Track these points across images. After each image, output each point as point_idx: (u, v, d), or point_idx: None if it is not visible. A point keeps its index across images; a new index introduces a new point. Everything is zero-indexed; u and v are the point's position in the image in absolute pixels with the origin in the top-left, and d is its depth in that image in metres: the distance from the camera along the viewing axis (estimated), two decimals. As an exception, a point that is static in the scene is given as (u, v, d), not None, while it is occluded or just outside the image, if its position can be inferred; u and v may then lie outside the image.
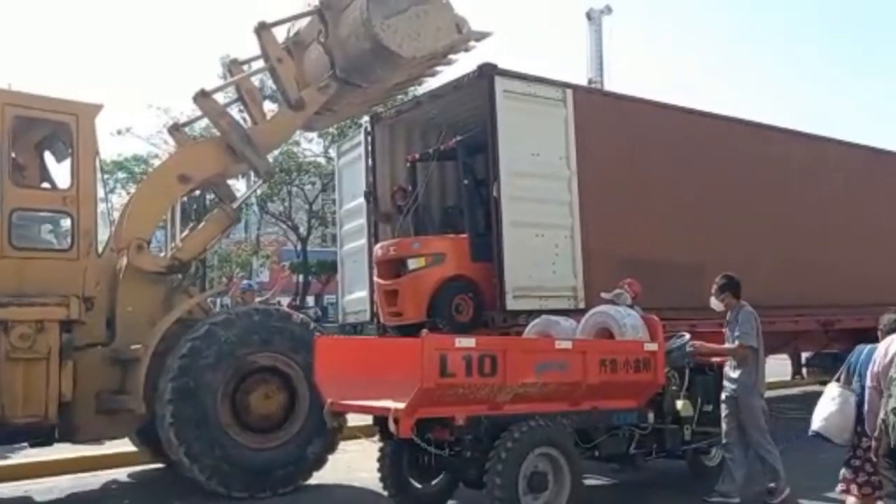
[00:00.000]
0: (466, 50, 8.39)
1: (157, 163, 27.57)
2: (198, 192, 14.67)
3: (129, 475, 8.19)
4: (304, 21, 8.11)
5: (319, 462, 7.12)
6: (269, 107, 11.57)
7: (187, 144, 8.77)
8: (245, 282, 11.85)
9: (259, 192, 23.32)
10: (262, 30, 7.83)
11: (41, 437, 6.95)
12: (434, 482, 6.21)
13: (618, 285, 7.11)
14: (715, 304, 6.87)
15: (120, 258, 7.51)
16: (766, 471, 6.51)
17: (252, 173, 9.40)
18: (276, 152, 18.29)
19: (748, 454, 6.55)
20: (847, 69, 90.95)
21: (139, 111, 62.65)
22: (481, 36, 8.31)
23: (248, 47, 8.33)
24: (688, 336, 7.00)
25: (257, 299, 11.26)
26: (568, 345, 5.80)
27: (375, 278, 9.52)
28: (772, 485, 6.42)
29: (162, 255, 7.97)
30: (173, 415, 6.60)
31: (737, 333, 6.55)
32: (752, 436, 6.49)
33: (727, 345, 6.66)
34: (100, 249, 7.32)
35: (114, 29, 66.32)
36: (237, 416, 6.93)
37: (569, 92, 9.23)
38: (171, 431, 6.60)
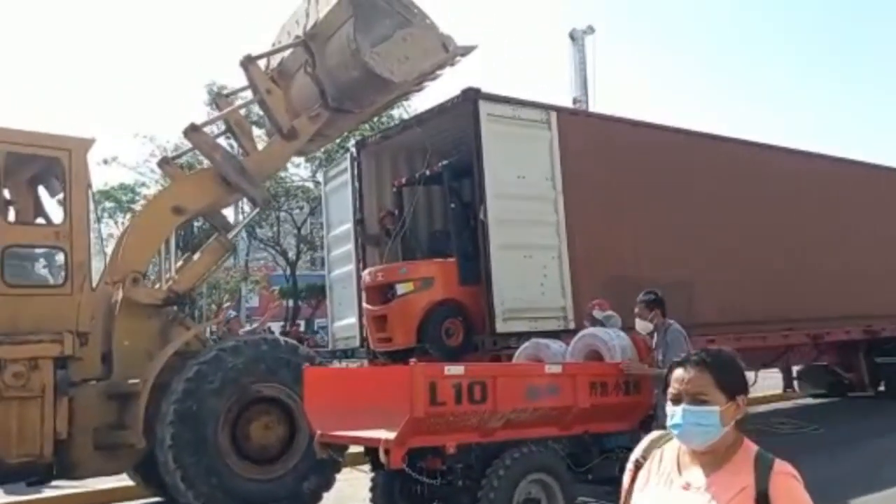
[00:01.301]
0: (452, 65, 8.48)
1: (144, 191, 27.61)
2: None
3: None
4: (287, 51, 8.16)
5: (314, 498, 7.07)
6: (256, 132, 11.62)
7: (180, 176, 8.78)
8: (230, 311, 11.79)
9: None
10: (249, 63, 7.92)
11: (37, 475, 6.88)
12: (427, 511, 6.16)
13: (588, 307, 7.05)
14: (642, 325, 6.22)
15: (115, 291, 7.49)
16: None
17: (242, 201, 9.43)
18: (263, 178, 18.33)
19: None
20: (844, 78, 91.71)
21: (125, 140, 62.57)
22: (467, 51, 8.42)
23: (233, 73, 8.40)
24: (677, 355, 6.98)
25: (246, 328, 11.20)
26: (558, 369, 5.79)
27: (364, 304, 9.49)
28: None
29: (157, 286, 7.95)
30: (173, 437, 6.57)
31: (661, 358, 5.94)
32: None
33: (656, 369, 5.93)
34: (94, 282, 7.28)
35: (98, 57, 66.41)
36: (236, 445, 6.91)
37: (553, 114, 9.29)
38: (170, 454, 6.55)
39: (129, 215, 27.84)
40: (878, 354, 13.69)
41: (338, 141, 20.27)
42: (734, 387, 1.99)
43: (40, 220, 7.86)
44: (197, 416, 6.68)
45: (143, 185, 27.34)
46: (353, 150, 10.82)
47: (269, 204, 9.28)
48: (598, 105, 24.67)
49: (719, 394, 1.95)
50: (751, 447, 2.00)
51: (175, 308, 7.79)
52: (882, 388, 14.17)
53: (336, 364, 10.85)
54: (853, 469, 8.23)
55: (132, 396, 6.87)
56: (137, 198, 27.38)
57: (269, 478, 6.93)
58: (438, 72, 8.53)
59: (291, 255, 29.34)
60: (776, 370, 13.66)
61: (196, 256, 8.38)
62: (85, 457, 6.89)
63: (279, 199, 26.78)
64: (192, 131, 7.92)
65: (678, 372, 2.03)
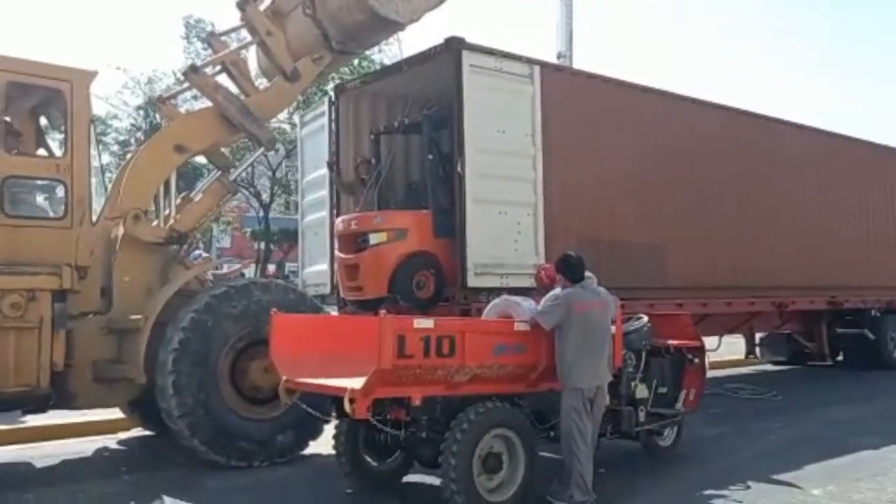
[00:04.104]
0: None
1: (115, 123, 26.99)
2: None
3: (119, 442, 8.30)
4: None
5: (283, 453, 7.11)
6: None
7: (179, 115, 8.79)
8: (197, 251, 11.63)
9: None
10: (246, 4, 7.77)
11: (34, 404, 6.96)
12: (389, 460, 6.23)
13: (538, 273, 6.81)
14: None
15: (116, 227, 7.48)
16: (564, 479, 5.66)
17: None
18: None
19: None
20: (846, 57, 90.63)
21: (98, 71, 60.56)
22: None
23: (210, 6, 8.23)
24: (645, 318, 7.05)
25: (220, 269, 11.10)
26: (526, 326, 5.78)
27: (336, 252, 9.42)
28: (583, 499, 5.58)
29: (155, 224, 7.90)
30: (180, 342, 6.70)
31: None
32: (561, 439, 5.75)
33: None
34: (94, 218, 7.29)
35: (72, -18, 63.91)
36: (233, 375, 7.04)
37: (536, 68, 9.16)
38: (171, 357, 6.66)
39: (99, 147, 27.25)
40: (840, 325, 14.00)
41: (317, 84, 19.92)
42: None
43: (41, 152, 7.80)
44: (209, 330, 6.83)
45: (115, 117, 26.74)
46: (332, 94, 10.60)
47: (274, 144, 9.26)
48: (583, 61, 24.34)
49: None
50: None
51: (176, 247, 7.77)
52: (841, 358, 14.53)
53: None
54: (808, 435, 8.44)
55: (132, 332, 6.96)
56: (108, 130, 26.77)
57: (251, 417, 7.01)
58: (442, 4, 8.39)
59: (265, 197, 29.00)
60: (740, 336, 13.93)
61: (197, 197, 8.35)
62: (83, 388, 7.02)
63: (254, 140, 26.33)
64: (193, 73, 7.95)
65: None
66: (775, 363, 14.99)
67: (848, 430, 8.65)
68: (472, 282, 8.42)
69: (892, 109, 72.51)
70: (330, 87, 12.23)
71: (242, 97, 8.07)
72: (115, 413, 8.31)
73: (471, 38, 8.60)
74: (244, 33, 8.56)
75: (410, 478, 6.30)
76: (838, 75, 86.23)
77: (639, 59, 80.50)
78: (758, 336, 14.47)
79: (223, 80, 8.25)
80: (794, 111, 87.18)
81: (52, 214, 7.29)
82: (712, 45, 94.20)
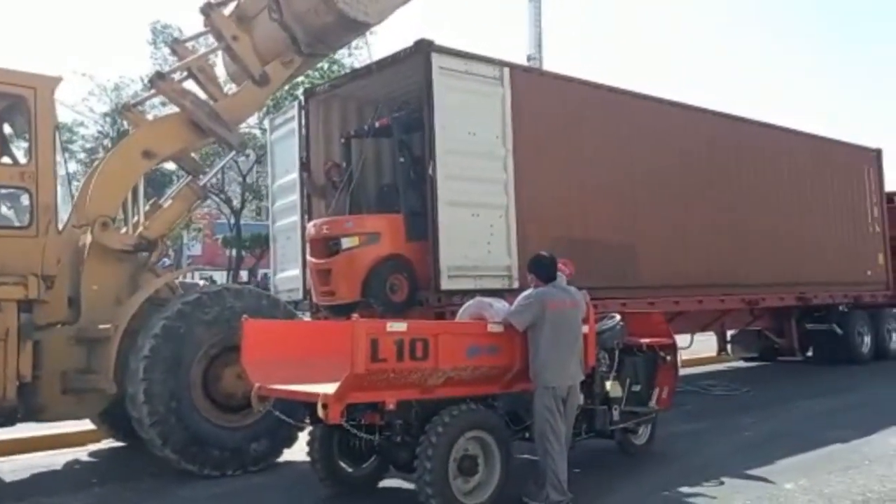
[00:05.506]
0: None
1: (82, 131, 26.65)
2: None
3: (90, 454, 8.15)
4: None
5: (256, 461, 7.01)
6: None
7: (146, 122, 8.66)
8: (164, 260, 11.52)
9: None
10: (211, 10, 7.70)
11: (1, 418, 6.78)
12: (364, 465, 6.18)
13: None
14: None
15: (83, 235, 7.35)
16: (540, 479, 5.65)
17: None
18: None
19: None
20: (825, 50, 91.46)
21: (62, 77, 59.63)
22: None
23: (176, 11, 8.11)
24: (618, 317, 7.08)
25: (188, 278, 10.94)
26: (499, 328, 5.78)
27: (308, 257, 9.35)
28: (559, 499, 5.55)
29: (123, 232, 7.77)
30: (152, 350, 6.58)
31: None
32: (535, 439, 5.71)
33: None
34: (61, 226, 7.16)
35: (36, -12, 62.87)
36: (205, 383, 6.92)
37: (506, 70, 9.19)
38: (142, 365, 6.54)
39: (65, 154, 26.84)
40: (809, 321, 14.21)
41: (286, 88, 19.82)
42: None
43: (6, 160, 7.65)
44: (182, 338, 6.72)
45: (82, 124, 26.40)
46: (301, 98, 10.54)
47: (245, 147, 9.17)
48: (554, 64, 24.51)
49: None
50: None
51: (146, 255, 7.65)
52: (810, 353, 14.74)
53: None
54: (780, 430, 8.54)
55: (101, 341, 6.84)
56: (75, 137, 26.42)
57: (224, 425, 6.91)
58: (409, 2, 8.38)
59: (236, 203, 28.78)
60: (711, 333, 14.07)
61: (167, 203, 8.24)
62: (52, 400, 6.88)
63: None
64: (160, 80, 7.85)
65: None
66: (747, 359, 15.17)
67: (819, 423, 8.76)
68: (446, 284, 8.41)
69: (892, 109, 73.73)
70: (300, 91, 12.18)
71: (211, 102, 7.99)
72: (86, 424, 8.17)
73: (441, 41, 8.62)
74: (211, 38, 8.48)
75: (386, 482, 6.26)
76: (838, 75, 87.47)
77: (638, 59, 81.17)
78: (729, 333, 14.63)
79: (190, 85, 8.16)
80: (793, 111, 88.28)
81: (17, 223, 7.15)
82: (711, 46, 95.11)
